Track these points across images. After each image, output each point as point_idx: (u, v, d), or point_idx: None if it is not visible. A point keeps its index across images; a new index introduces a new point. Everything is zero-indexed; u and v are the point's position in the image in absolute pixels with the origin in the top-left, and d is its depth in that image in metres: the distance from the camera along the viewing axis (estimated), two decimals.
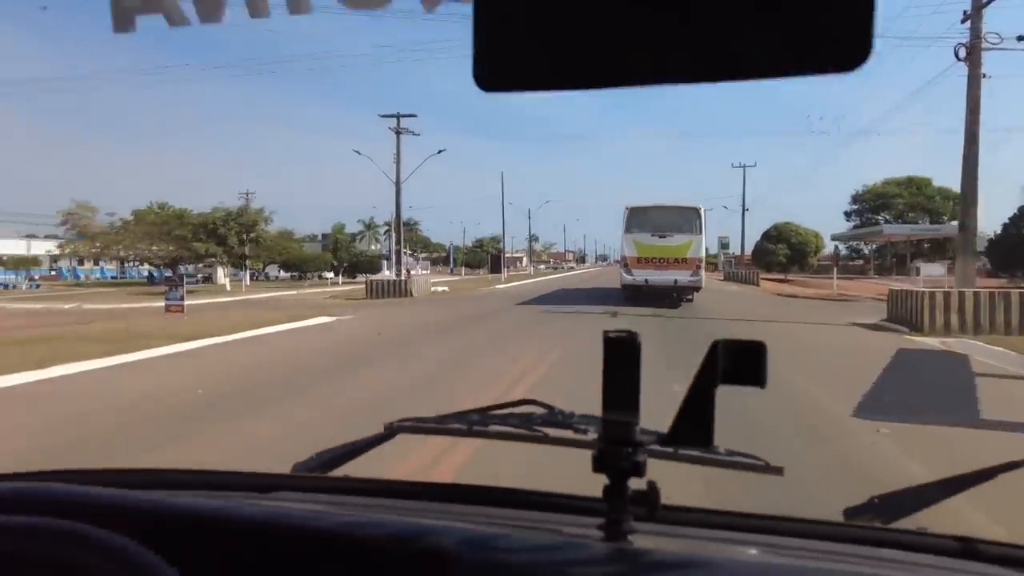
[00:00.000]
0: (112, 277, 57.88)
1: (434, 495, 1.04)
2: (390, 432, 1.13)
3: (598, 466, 0.76)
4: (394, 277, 30.25)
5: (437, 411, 1.08)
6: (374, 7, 0.78)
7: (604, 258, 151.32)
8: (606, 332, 0.75)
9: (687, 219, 20.74)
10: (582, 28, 0.52)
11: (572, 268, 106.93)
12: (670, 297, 20.22)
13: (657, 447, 0.80)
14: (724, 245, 64.42)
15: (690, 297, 20.88)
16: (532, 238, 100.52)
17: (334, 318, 16.45)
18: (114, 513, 0.82)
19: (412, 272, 38.53)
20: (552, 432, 0.96)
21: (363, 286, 28.41)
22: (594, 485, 0.80)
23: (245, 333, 12.75)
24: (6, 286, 45.19)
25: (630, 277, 20.45)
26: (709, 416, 0.73)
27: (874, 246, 58.24)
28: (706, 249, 22.88)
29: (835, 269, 30.90)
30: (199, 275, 48.14)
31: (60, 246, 49.88)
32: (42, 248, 57.86)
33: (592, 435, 0.84)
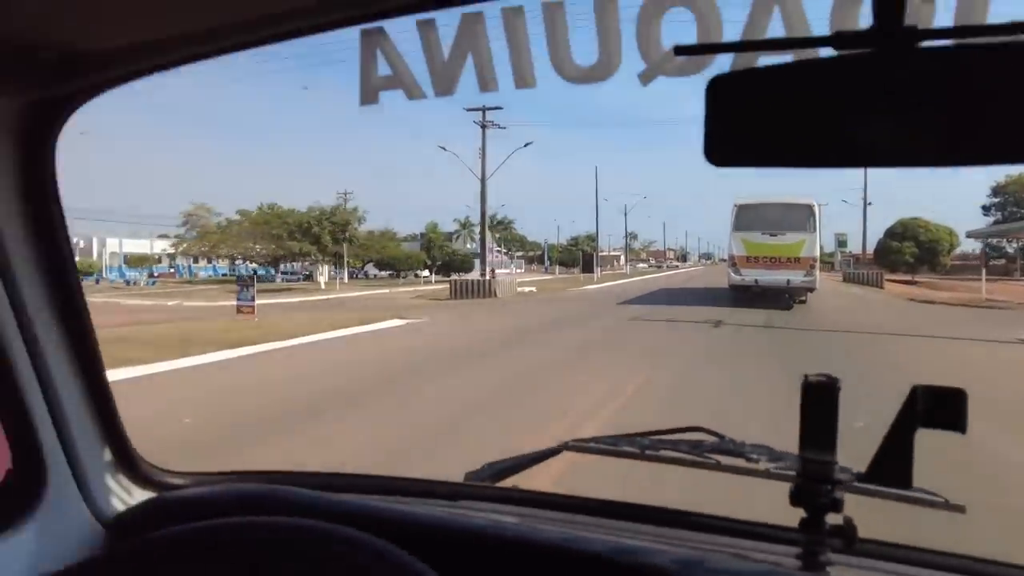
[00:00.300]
0: (223, 274, 61.85)
1: (606, 512, 1.08)
2: (558, 449, 1.18)
3: (795, 500, 0.83)
4: (481, 276, 30.14)
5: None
6: (595, 81, 0.78)
7: (708, 256, 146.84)
8: (806, 376, 0.82)
9: (800, 216, 20.16)
10: (803, 115, 0.58)
11: (676, 267, 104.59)
12: (782, 298, 19.73)
13: (855, 484, 0.84)
14: (841, 243, 60.08)
15: (803, 298, 20.22)
16: (630, 236, 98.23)
17: (405, 321, 15.99)
18: (353, 518, 0.90)
19: (497, 272, 38.20)
20: (723, 460, 0.99)
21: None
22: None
23: (295, 340, 12.26)
24: (128, 282, 49.12)
25: (739, 277, 20.22)
26: (908, 457, 0.78)
27: (1020, 243, 52.16)
28: (821, 247, 22.39)
29: (983, 270, 27.42)
30: (302, 273, 50.34)
31: (174, 245, 53.67)
32: (160, 247, 62.75)
33: (764, 464, 0.93)
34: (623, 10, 0.70)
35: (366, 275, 57.03)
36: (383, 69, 0.89)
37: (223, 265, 62.53)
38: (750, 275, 19.87)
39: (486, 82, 0.83)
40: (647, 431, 1.12)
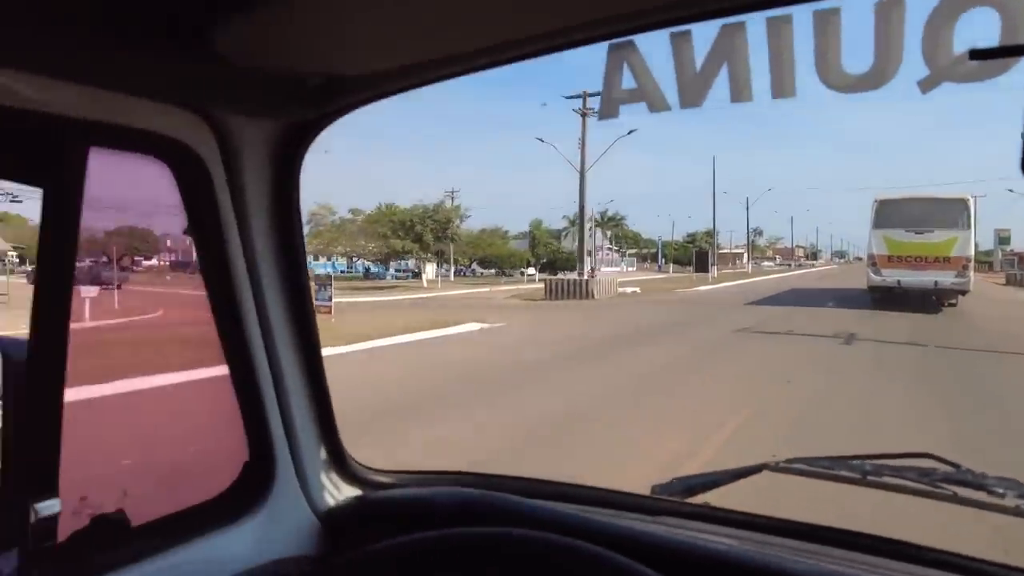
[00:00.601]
0: (341, 271, 65.51)
1: (827, 539, 1.01)
2: (758, 468, 1.15)
3: None
4: (578, 276, 29.40)
5: None
6: (864, 90, 0.77)
7: (841, 255, 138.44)
8: None
9: (951, 212, 19.28)
10: None
11: (812, 265, 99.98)
12: (927, 301, 19.02)
13: None
14: (1003, 240, 54.63)
15: (953, 302, 19.45)
16: (755, 232, 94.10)
17: (480, 326, 15.38)
18: (575, 530, 0.92)
19: (603, 270, 37.63)
20: (960, 491, 0.94)
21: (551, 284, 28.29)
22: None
23: (352, 346, 11.74)
24: None
25: (879, 278, 19.74)
26: None
27: None
28: (976, 245, 21.62)
29: None
30: (411, 271, 52.31)
31: None
32: None
33: (1013, 500, 0.87)
34: (910, 13, 0.67)
35: (473, 272, 58.36)
36: (627, 82, 0.90)
37: (341, 262, 66.13)
38: (892, 275, 19.32)
39: (740, 92, 0.82)
40: (865, 454, 1.06)
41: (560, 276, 32.37)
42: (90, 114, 0.87)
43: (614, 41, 0.88)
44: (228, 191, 1.08)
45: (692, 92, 0.84)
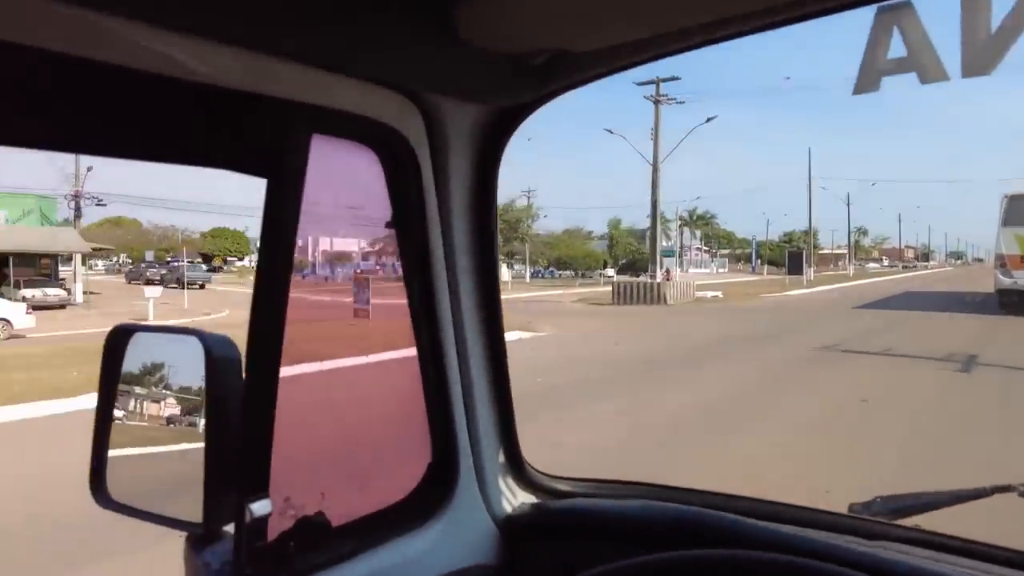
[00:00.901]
0: None
1: None
2: (988, 491, 1.09)
3: None
4: (649, 279, 27.53)
5: None
6: None
7: (958, 256, 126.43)
8: None
9: None
10: None
11: (925, 267, 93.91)
12: None
13: None
14: None
15: None
16: (859, 231, 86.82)
17: (518, 336, 14.25)
18: (798, 551, 0.90)
19: (674, 272, 34.77)
20: None
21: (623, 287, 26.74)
22: None
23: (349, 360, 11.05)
24: None
25: (1009, 280, 18.28)
26: None
27: None
28: None
29: None
30: None
31: None
32: None
33: None
34: None
35: (551, 274, 56.58)
36: (895, 51, 0.83)
37: None
38: None
39: None
40: None
41: (631, 279, 30.25)
42: (312, 99, 0.86)
43: (884, 4, 0.81)
44: (432, 176, 1.07)
45: (981, 58, 0.76)
